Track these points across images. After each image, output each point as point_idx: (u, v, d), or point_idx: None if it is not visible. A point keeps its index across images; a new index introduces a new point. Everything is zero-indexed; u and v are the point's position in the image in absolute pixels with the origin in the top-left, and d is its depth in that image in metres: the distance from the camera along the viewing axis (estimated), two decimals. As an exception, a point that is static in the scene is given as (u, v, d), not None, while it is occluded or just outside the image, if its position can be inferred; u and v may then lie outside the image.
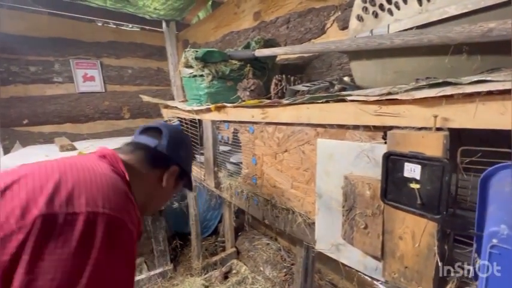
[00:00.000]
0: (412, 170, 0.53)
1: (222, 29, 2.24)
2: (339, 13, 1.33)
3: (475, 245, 0.47)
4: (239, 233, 2.38)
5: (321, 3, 1.41)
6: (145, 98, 1.88)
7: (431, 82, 0.50)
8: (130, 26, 2.93)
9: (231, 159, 1.33)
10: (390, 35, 0.68)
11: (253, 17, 1.87)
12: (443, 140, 0.48)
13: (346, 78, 0.94)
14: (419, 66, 0.70)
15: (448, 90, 0.47)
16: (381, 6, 0.75)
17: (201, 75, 1.25)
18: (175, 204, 2.06)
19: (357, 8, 0.82)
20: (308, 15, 1.48)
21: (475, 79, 0.44)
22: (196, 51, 1.21)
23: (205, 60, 1.21)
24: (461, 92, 0.45)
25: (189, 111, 1.42)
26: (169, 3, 2.29)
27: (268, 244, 2.16)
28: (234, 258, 2.22)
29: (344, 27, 1.32)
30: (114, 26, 2.84)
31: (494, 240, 0.30)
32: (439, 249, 0.51)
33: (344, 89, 0.89)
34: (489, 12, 0.56)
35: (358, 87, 0.89)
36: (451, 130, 0.50)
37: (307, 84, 1.00)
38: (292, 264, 1.93)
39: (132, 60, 2.89)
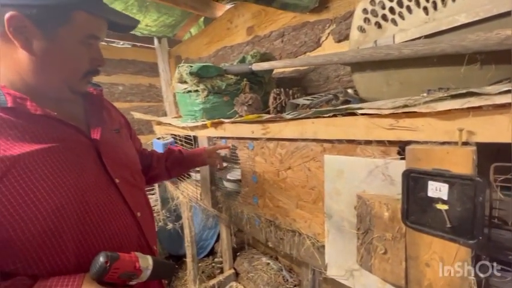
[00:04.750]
0: (437, 189, 0.48)
1: (215, 44, 2.22)
2: (334, 26, 1.33)
3: (517, 274, 0.42)
4: (237, 253, 2.26)
5: (315, 17, 1.41)
6: (137, 115, 1.81)
7: (453, 93, 0.47)
8: (121, 43, 2.90)
9: (230, 177, 1.26)
10: (398, 45, 0.65)
11: (247, 31, 1.87)
12: (472, 156, 0.44)
13: (350, 90, 0.91)
14: (427, 76, 0.67)
15: (475, 102, 0.43)
16: (384, 17, 0.73)
17: (196, 91, 1.21)
18: (170, 225, 1.95)
19: (357, 19, 0.80)
20: (303, 29, 1.48)
21: (505, 89, 0.41)
22: (191, 66, 1.17)
23: (200, 75, 1.17)
24: (490, 103, 0.41)
25: (183, 127, 1.36)
26: (161, 20, 2.28)
27: (268, 264, 2.05)
28: (232, 281, 2.10)
29: (339, 39, 1.32)
30: (105, 43, 2.80)
31: None
32: (476, 278, 0.45)
33: (348, 102, 0.86)
34: (501, 19, 0.54)
35: (362, 100, 0.85)
36: (478, 145, 0.45)
37: (309, 98, 0.96)
38: (294, 286, 1.83)
39: (123, 76, 2.83)
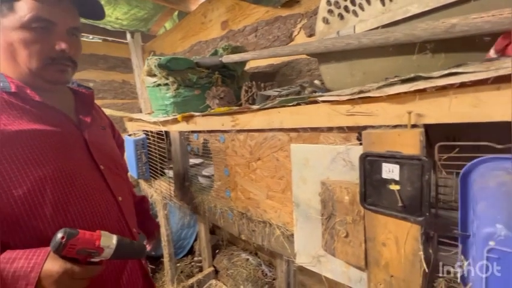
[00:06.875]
0: (390, 171, 0.50)
1: (190, 39, 2.18)
2: (305, 21, 1.35)
3: (460, 246, 0.45)
4: (216, 251, 2.24)
5: (287, 12, 1.42)
6: (108, 111, 1.73)
7: (403, 78, 0.49)
8: (91, 37, 2.76)
9: (205, 173, 1.25)
10: (357, 34, 0.67)
11: (221, 26, 1.85)
12: (419, 137, 0.46)
13: (316, 82, 0.92)
14: (387, 66, 0.70)
15: (421, 85, 0.45)
16: (346, 8, 0.74)
17: (166, 84, 1.17)
18: (145, 225, 1.89)
19: (322, 11, 0.81)
20: (275, 23, 1.48)
21: (446, 72, 0.43)
22: (160, 58, 1.14)
23: (169, 67, 1.14)
24: (433, 85, 0.43)
25: (154, 122, 1.32)
26: (132, 13, 2.19)
27: (247, 260, 2.05)
28: (212, 279, 2.08)
29: (311, 34, 1.34)
30: (73, 37, 2.65)
31: (492, 243, 0.27)
32: (425, 254, 0.47)
33: (315, 92, 0.87)
34: (450, 9, 0.57)
35: (329, 90, 0.87)
36: (425, 126, 0.48)
37: (278, 89, 0.96)
38: (274, 279, 1.84)
39: (93, 72, 2.70)
